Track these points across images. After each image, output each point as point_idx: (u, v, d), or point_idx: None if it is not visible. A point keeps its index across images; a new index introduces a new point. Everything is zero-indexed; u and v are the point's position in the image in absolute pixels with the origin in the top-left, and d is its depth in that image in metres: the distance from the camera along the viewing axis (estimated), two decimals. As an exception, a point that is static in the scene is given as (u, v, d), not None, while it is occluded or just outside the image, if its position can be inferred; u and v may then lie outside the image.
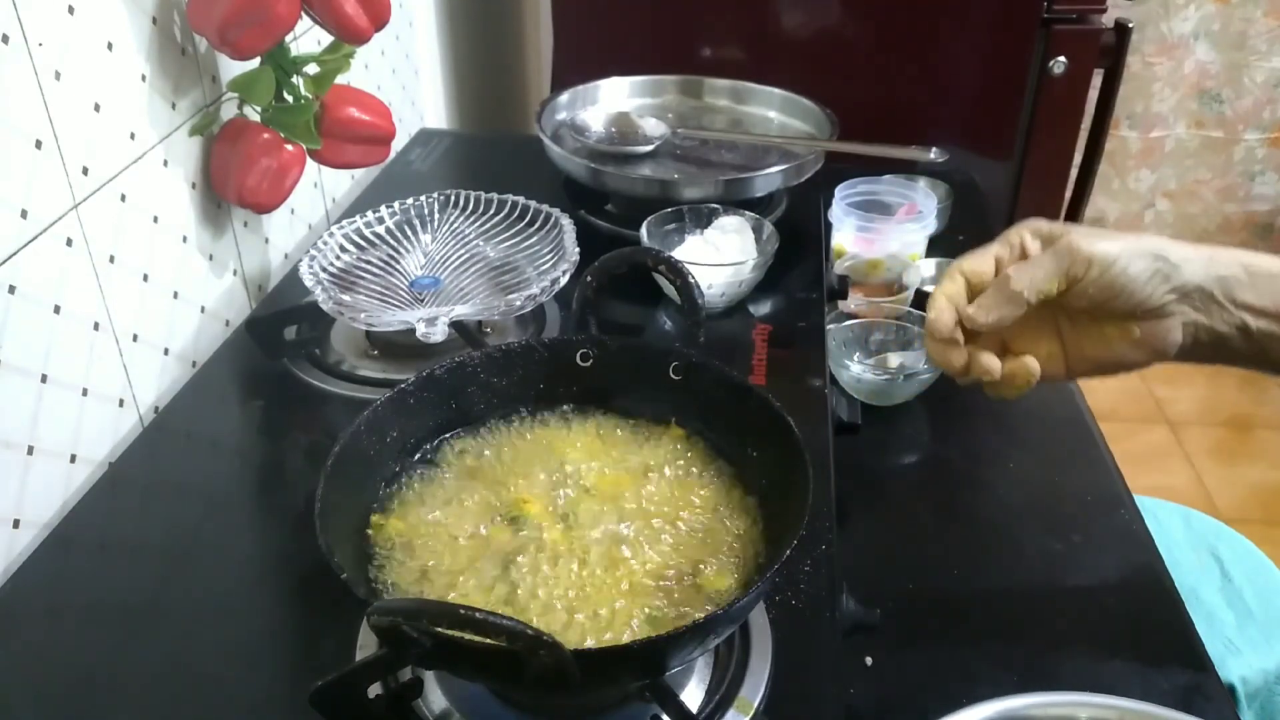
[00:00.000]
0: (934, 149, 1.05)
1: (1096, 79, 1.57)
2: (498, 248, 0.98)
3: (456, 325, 0.84)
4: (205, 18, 0.83)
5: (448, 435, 0.68)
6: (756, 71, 1.34)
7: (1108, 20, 1.53)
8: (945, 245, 1.30)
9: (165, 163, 0.89)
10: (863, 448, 0.99)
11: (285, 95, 0.92)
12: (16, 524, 0.73)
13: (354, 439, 0.61)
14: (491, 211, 1.00)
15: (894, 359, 1.09)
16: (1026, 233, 0.68)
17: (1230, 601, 0.99)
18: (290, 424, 0.89)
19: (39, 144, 0.74)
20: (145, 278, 0.87)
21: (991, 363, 0.67)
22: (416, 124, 1.48)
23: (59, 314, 0.76)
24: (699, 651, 0.58)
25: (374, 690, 0.55)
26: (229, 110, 0.95)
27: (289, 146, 0.93)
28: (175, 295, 0.91)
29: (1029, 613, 0.83)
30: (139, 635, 0.67)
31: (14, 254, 0.72)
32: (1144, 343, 0.65)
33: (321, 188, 1.20)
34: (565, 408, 0.71)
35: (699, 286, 0.71)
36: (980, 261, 0.68)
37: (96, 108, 0.80)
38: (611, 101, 1.30)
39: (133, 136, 0.84)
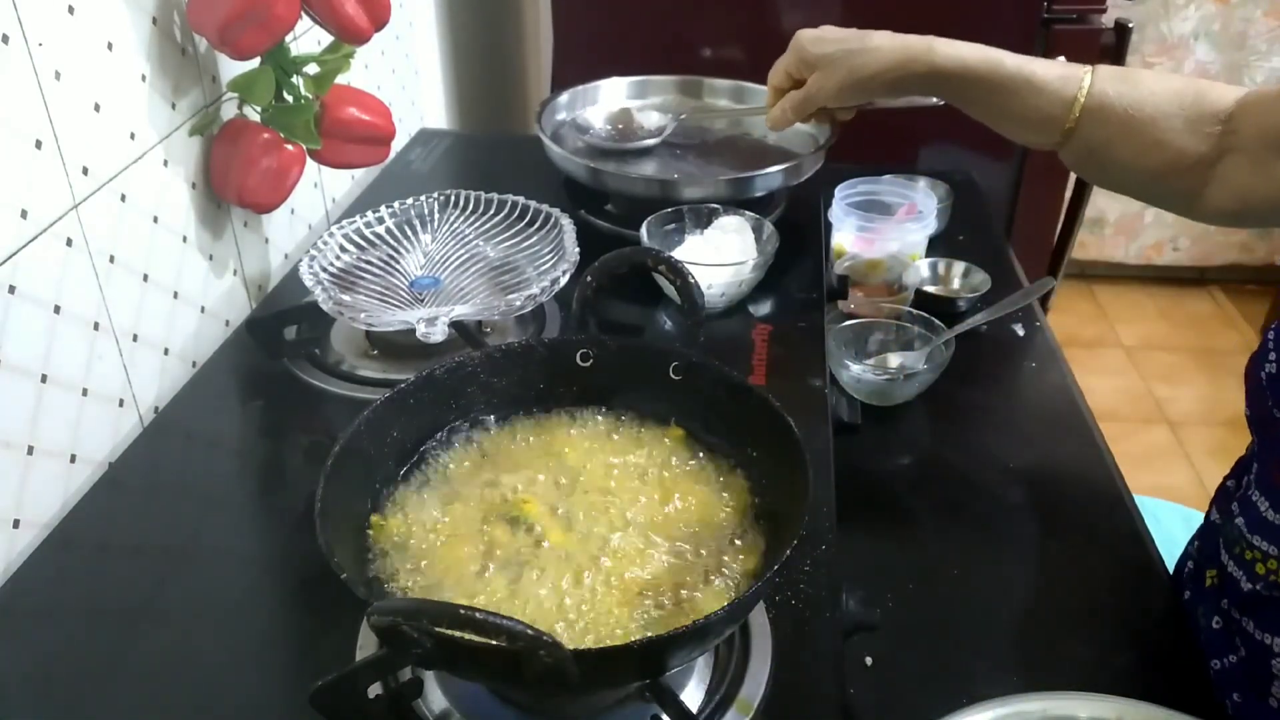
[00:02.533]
0: (934, 97, 1.07)
1: (1097, 79, 1.57)
2: (498, 248, 0.98)
3: (456, 325, 0.84)
4: (205, 18, 0.83)
5: (448, 435, 0.68)
6: (756, 71, 1.34)
7: (1108, 20, 1.53)
8: (945, 245, 1.30)
9: (165, 163, 0.89)
10: (863, 448, 0.99)
11: (285, 95, 0.92)
12: (16, 524, 0.73)
13: (354, 439, 0.61)
14: (491, 211, 1.00)
15: (894, 359, 1.10)
16: (796, 56, 1.01)
17: (1230, 601, 0.99)
18: (290, 424, 0.89)
19: (39, 144, 0.74)
20: (145, 278, 0.87)
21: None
22: (416, 124, 1.48)
23: (59, 314, 0.76)
24: (699, 651, 0.58)
25: (374, 690, 0.55)
26: (229, 110, 0.95)
27: (289, 146, 0.93)
28: (175, 295, 0.91)
29: (1029, 613, 0.83)
30: (139, 635, 0.67)
31: (14, 254, 0.72)
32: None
33: (321, 188, 1.20)
34: (565, 408, 0.71)
35: (699, 286, 0.71)
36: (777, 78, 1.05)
37: (96, 108, 0.80)
38: (611, 101, 1.30)
39: (133, 136, 0.84)
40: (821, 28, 1.00)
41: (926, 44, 0.93)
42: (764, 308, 1.01)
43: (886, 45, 0.94)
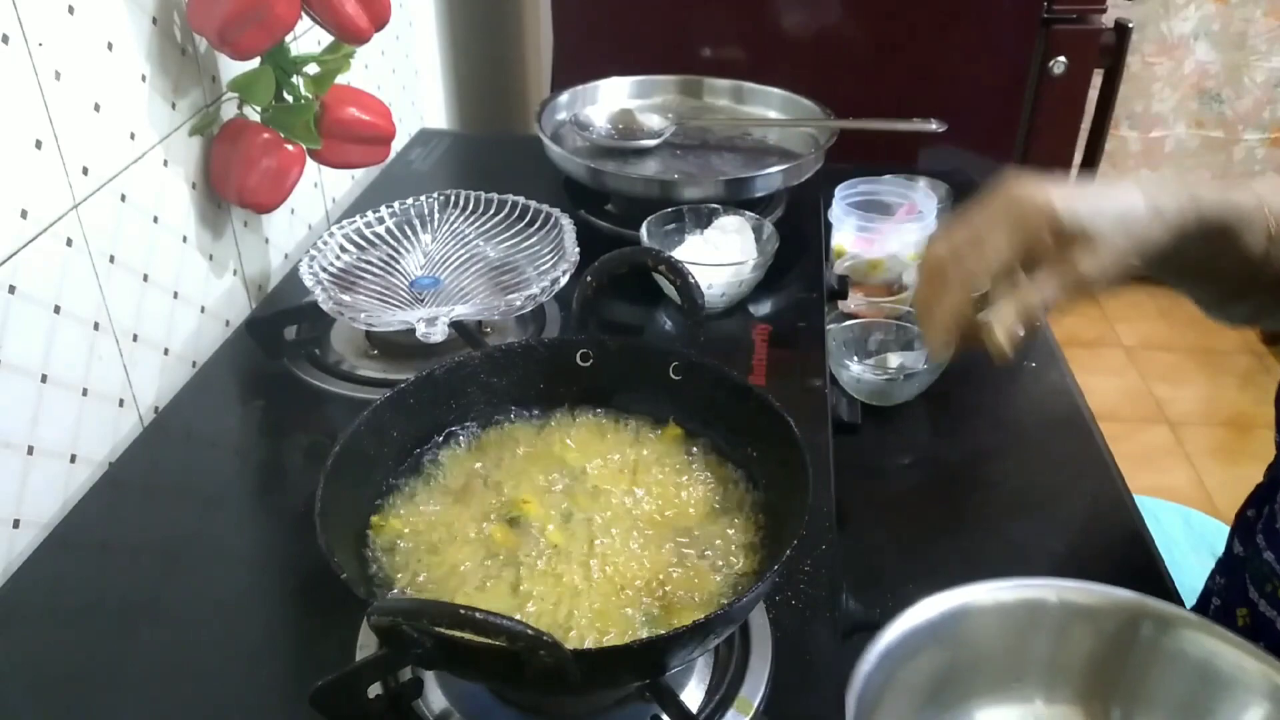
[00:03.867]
0: (933, 120, 1.06)
1: (1096, 79, 1.57)
2: (498, 248, 0.98)
3: (456, 325, 0.84)
4: (205, 18, 0.83)
5: (448, 435, 0.68)
6: (756, 71, 1.34)
7: (1108, 20, 1.53)
8: (945, 245, 1.30)
9: (165, 163, 0.89)
10: (863, 448, 0.99)
11: (285, 95, 0.92)
12: (16, 524, 0.73)
13: (354, 439, 0.61)
14: (491, 211, 1.00)
15: (894, 359, 1.10)
16: (1045, 228, 0.61)
17: (1230, 601, 0.99)
18: (290, 424, 0.89)
19: (39, 144, 0.74)
20: (145, 278, 0.87)
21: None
22: (416, 124, 1.48)
23: (59, 314, 0.76)
24: (699, 651, 0.58)
25: (374, 690, 0.55)
26: (229, 110, 0.95)
27: (289, 146, 0.93)
28: (175, 295, 0.91)
29: (1029, 613, 0.83)
30: (139, 635, 0.67)
31: (14, 254, 0.72)
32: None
33: (321, 188, 1.20)
34: (565, 408, 0.71)
35: (699, 286, 0.71)
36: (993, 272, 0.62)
37: (96, 108, 0.80)
38: (611, 101, 1.30)
39: (133, 136, 0.84)
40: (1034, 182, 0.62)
41: (1187, 190, 0.63)
42: (764, 308, 1.01)
43: (1163, 203, 0.62)
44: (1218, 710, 0.64)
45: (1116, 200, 0.62)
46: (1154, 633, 0.65)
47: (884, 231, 1.20)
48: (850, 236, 1.22)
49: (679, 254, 1.01)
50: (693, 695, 0.61)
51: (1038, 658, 0.66)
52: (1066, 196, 0.61)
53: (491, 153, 1.45)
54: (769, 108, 1.30)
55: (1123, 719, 0.66)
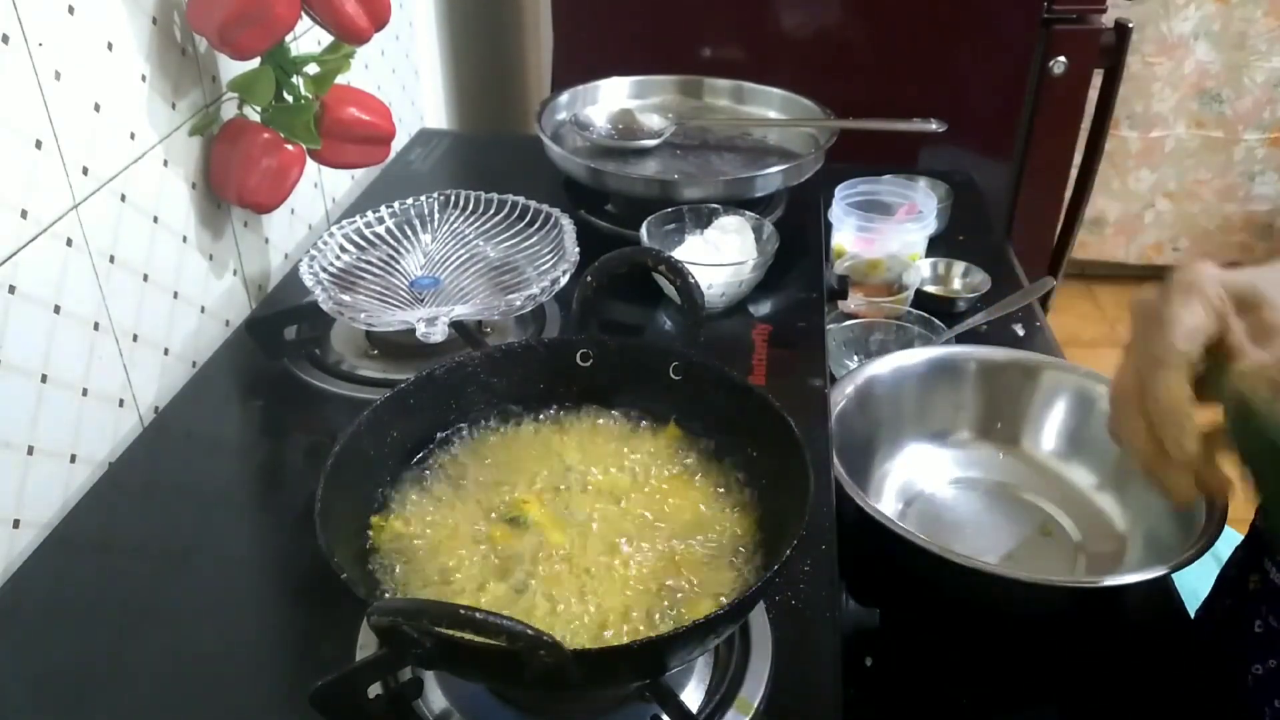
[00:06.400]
0: (933, 120, 1.06)
1: (1096, 79, 1.57)
2: (498, 248, 0.98)
3: (456, 325, 0.84)
4: (205, 18, 0.83)
5: (448, 435, 0.68)
6: (756, 71, 1.34)
7: (1108, 20, 1.53)
8: (945, 245, 1.30)
9: (165, 163, 0.89)
10: (863, 448, 0.99)
11: (285, 95, 0.92)
12: (16, 524, 0.73)
13: (354, 439, 0.61)
14: (491, 211, 1.00)
15: (894, 359, 1.10)
16: (1223, 292, 0.58)
17: (1230, 601, 0.99)
18: (290, 424, 0.89)
19: (39, 144, 0.74)
20: (145, 278, 0.87)
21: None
22: (416, 124, 1.48)
23: (59, 314, 0.76)
24: (699, 651, 0.58)
25: (374, 690, 0.55)
26: (229, 110, 0.95)
27: (289, 146, 0.93)
28: (175, 295, 0.91)
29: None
30: (139, 635, 0.67)
31: (14, 254, 0.72)
32: None
33: (321, 188, 1.20)
34: (565, 408, 0.71)
35: (699, 286, 0.71)
36: (1197, 345, 0.58)
37: (96, 108, 0.80)
38: (611, 101, 1.30)
39: (133, 136, 0.84)
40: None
41: None
42: (764, 308, 1.01)
43: None
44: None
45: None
46: (1023, 377, 0.96)
47: (884, 231, 1.20)
48: (850, 236, 1.22)
49: (679, 254, 1.01)
50: (693, 695, 0.61)
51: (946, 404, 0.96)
52: (1230, 272, 0.59)
53: (491, 153, 1.45)
54: (769, 108, 1.30)
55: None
